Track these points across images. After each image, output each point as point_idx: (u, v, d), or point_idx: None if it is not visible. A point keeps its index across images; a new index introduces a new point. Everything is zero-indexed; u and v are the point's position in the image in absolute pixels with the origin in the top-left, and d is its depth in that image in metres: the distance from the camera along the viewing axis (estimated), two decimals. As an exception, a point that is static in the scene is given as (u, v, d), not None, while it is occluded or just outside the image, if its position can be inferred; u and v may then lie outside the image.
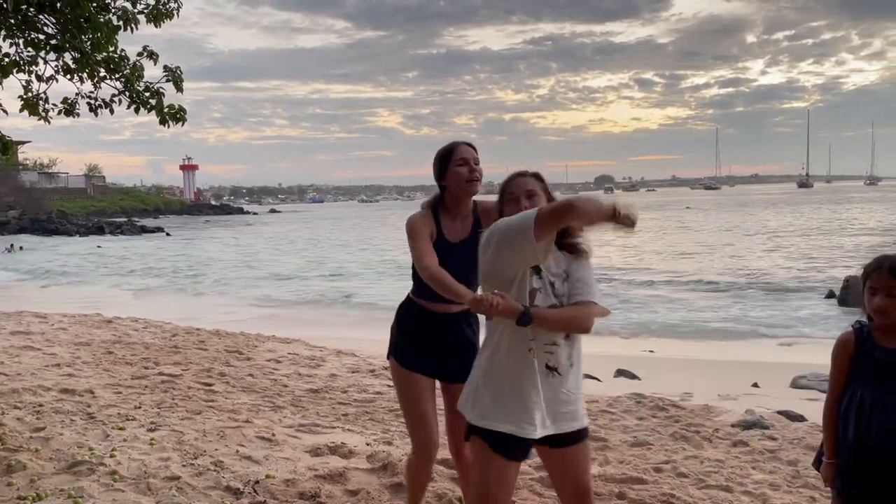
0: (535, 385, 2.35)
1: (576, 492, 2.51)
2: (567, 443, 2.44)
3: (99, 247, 39.20)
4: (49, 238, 46.39)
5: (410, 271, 2.97)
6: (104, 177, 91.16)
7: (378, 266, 24.68)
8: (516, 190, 2.51)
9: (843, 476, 2.50)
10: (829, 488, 2.61)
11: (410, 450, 3.07)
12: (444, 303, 2.85)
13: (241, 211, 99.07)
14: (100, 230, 52.75)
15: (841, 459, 2.49)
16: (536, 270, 2.34)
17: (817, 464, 2.65)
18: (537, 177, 2.56)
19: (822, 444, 2.66)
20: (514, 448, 2.39)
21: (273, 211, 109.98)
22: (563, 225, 2.28)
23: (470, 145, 2.95)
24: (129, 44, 5.07)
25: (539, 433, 2.37)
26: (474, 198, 2.96)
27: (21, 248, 35.42)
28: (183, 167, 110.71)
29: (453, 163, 2.89)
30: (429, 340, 2.95)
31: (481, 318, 2.73)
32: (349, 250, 33.57)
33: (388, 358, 3.08)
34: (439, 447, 3.08)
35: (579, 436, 2.47)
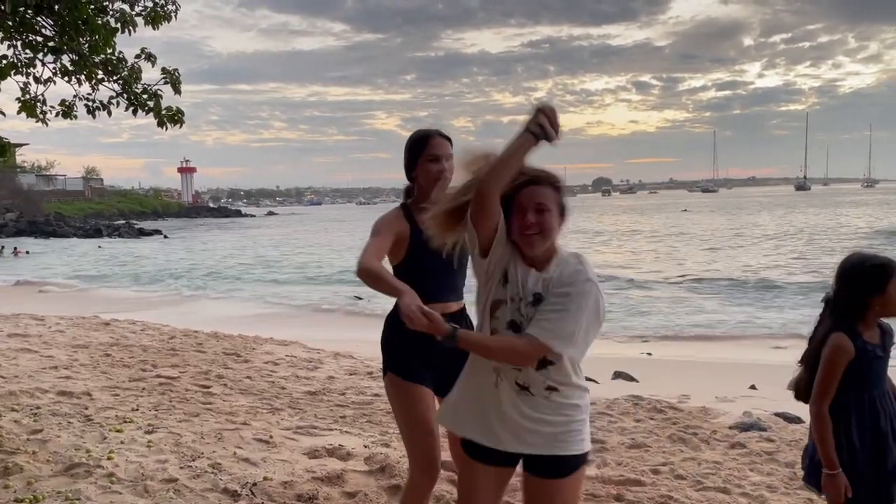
0: (499, 402, 2.17)
1: None
2: (548, 472, 2.18)
3: (100, 247, 39.32)
4: (48, 240, 46.34)
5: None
6: (102, 179, 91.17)
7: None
8: (525, 200, 2.11)
9: (867, 483, 2.43)
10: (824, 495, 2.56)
11: (411, 471, 2.80)
12: (440, 301, 2.70)
13: (238, 213, 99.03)
14: (97, 233, 52.71)
15: (857, 466, 2.44)
16: (503, 279, 2.14)
17: (813, 478, 2.55)
18: (554, 185, 2.16)
19: (808, 455, 2.60)
20: (486, 455, 2.23)
21: (271, 213, 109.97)
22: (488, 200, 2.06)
23: (445, 136, 2.72)
24: (127, 46, 5.08)
25: (507, 447, 2.19)
26: None
27: (27, 252, 35.15)
28: (181, 170, 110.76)
29: (424, 156, 2.69)
30: (428, 347, 2.62)
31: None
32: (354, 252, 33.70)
33: (384, 376, 2.84)
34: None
35: (562, 467, 2.17)
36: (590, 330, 2.08)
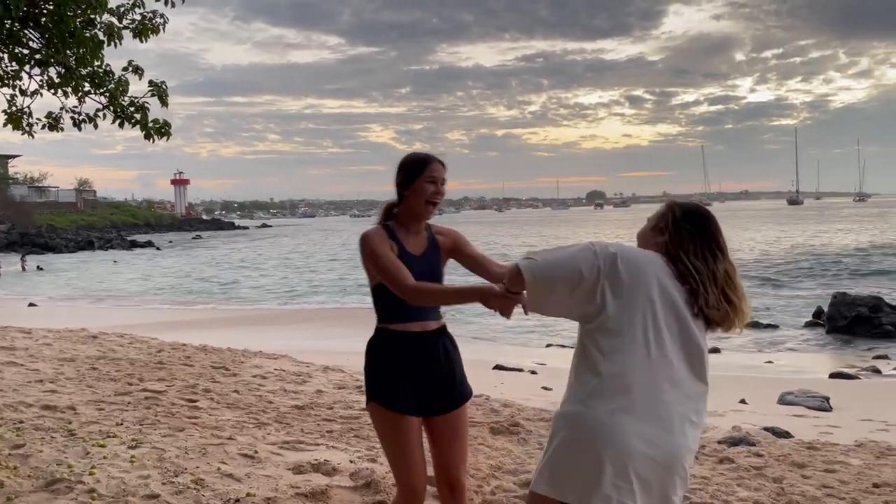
0: None
1: None
2: None
3: (115, 262, 39.34)
4: (44, 255, 46.08)
5: (371, 299, 2.78)
6: (95, 191, 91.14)
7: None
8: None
9: None
10: None
11: (398, 496, 2.80)
12: (421, 320, 2.72)
13: (232, 226, 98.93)
14: (89, 245, 52.53)
15: None
16: None
17: None
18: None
19: None
20: None
21: (264, 225, 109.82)
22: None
23: (442, 163, 2.77)
24: (120, 58, 5.07)
25: None
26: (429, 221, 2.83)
27: (40, 268, 34.86)
28: (174, 182, 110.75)
29: (423, 177, 2.72)
30: (414, 369, 2.70)
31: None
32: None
33: (367, 404, 2.79)
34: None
35: None
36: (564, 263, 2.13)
